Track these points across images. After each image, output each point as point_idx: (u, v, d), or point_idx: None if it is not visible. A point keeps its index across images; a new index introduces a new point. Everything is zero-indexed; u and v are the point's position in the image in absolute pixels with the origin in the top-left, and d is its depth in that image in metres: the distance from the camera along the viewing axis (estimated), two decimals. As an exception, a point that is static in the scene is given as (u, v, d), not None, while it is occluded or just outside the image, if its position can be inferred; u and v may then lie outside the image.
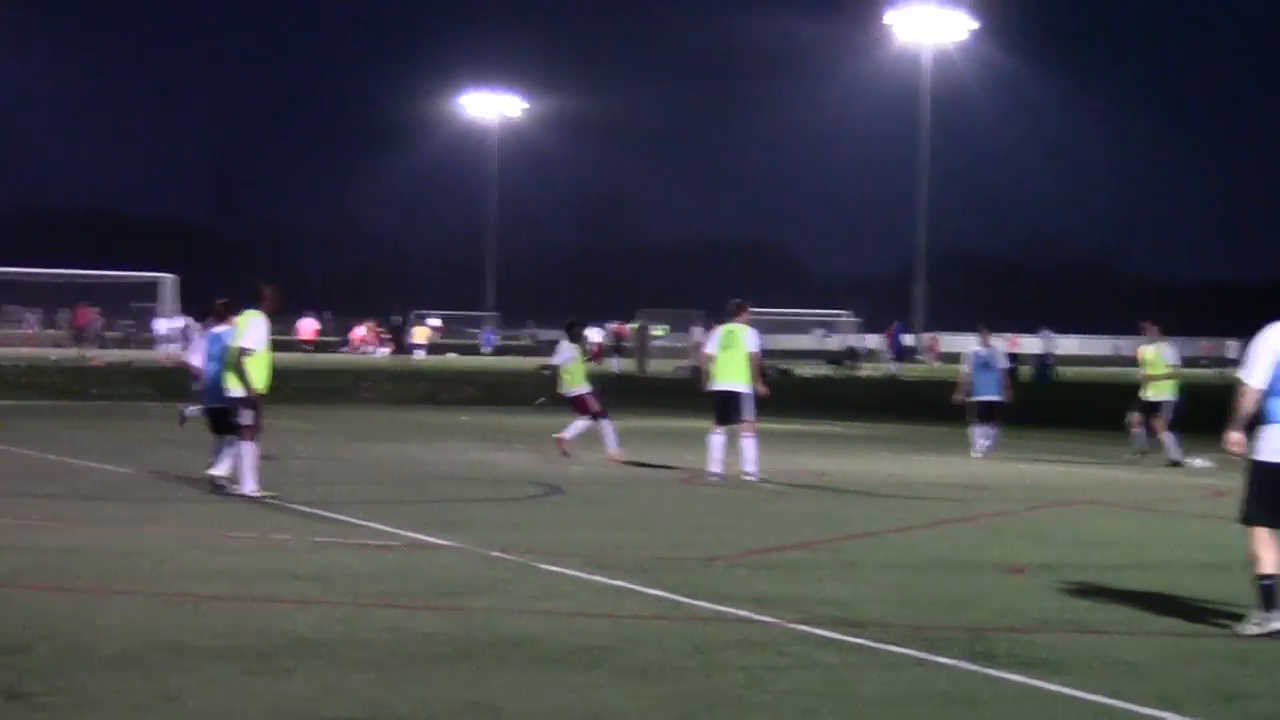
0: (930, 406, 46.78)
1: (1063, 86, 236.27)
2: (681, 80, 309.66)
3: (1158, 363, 31.99)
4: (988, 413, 32.77)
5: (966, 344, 36.12)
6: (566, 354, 30.32)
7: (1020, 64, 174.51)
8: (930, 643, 12.35)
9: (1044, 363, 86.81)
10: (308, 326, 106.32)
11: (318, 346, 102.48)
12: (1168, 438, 31.35)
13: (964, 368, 33.50)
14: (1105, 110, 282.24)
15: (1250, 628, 12.93)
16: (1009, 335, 77.02)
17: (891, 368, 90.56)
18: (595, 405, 29.66)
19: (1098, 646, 12.50)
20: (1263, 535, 13.03)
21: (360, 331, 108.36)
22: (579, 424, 29.61)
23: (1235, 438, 13.21)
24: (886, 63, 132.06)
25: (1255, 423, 13.14)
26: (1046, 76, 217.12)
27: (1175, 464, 30.78)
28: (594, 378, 31.69)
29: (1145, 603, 14.61)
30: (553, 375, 31.26)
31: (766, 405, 26.43)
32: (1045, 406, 48.76)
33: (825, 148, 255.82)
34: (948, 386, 37.04)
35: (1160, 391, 31.78)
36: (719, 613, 13.58)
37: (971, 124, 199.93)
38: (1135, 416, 32.05)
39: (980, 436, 32.67)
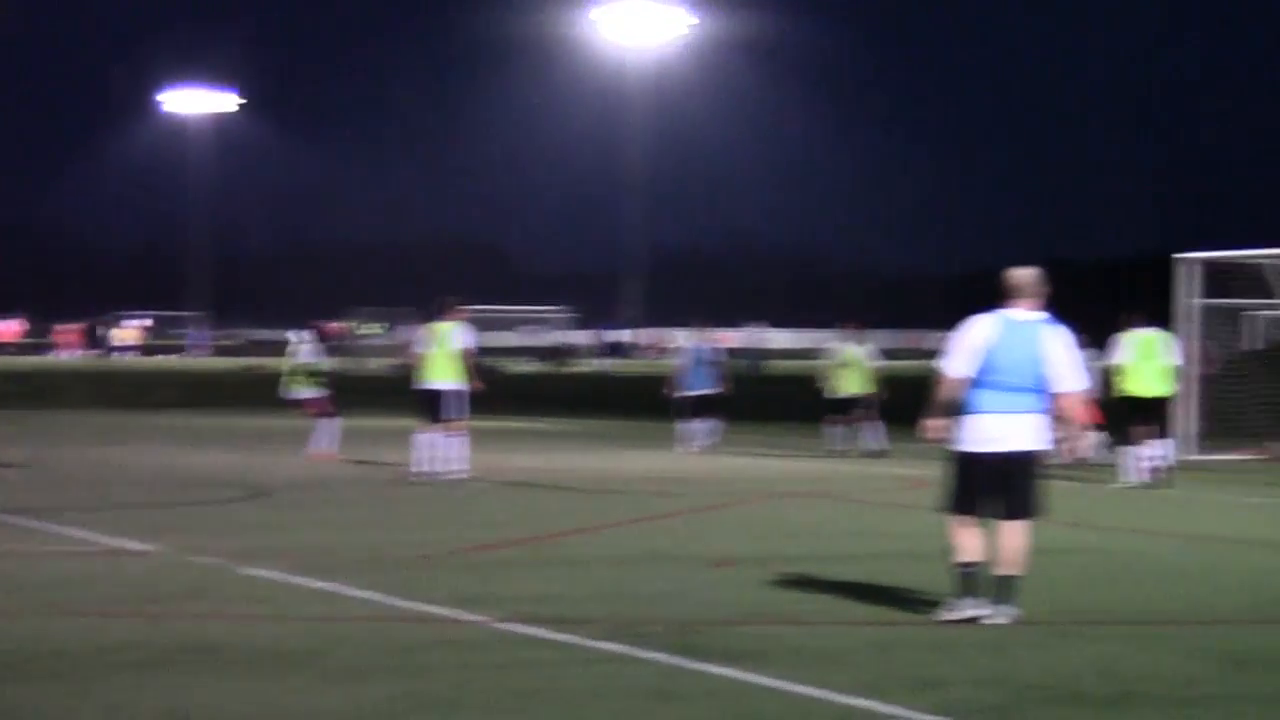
0: (642, 402, 47.06)
1: (773, 84, 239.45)
2: (398, 75, 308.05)
3: (857, 360, 32.68)
4: (702, 407, 33.11)
5: (682, 339, 36.69)
6: (310, 354, 30.20)
7: (734, 63, 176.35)
8: (637, 637, 12.37)
9: (754, 357, 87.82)
10: (8, 328, 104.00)
11: (20, 348, 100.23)
12: (868, 428, 32.13)
13: (677, 362, 33.82)
14: (812, 108, 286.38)
15: (948, 614, 13.20)
16: (720, 330, 77.68)
17: (605, 363, 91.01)
18: (329, 406, 29.59)
19: (802, 637, 12.65)
20: (964, 523, 13.35)
21: (64, 331, 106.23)
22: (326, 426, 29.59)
23: (933, 424, 13.51)
24: (597, 59, 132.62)
25: (957, 413, 13.41)
26: (759, 74, 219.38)
27: (878, 453, 31.48)
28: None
29: (849, 593, 14.81)
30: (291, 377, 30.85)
31: (477, 403, 26.36)
32: (755, 400, 49.30)
33: (538, 144, 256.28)
34: (660, 382, 37.26)
35: (857, 387, 32.51)
36: (428, 613, 13.48)
37: (683, 120, 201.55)
38: (841, 417, 32.70)
39: (694, 431, 33.00)
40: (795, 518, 21.35)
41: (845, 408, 32.65)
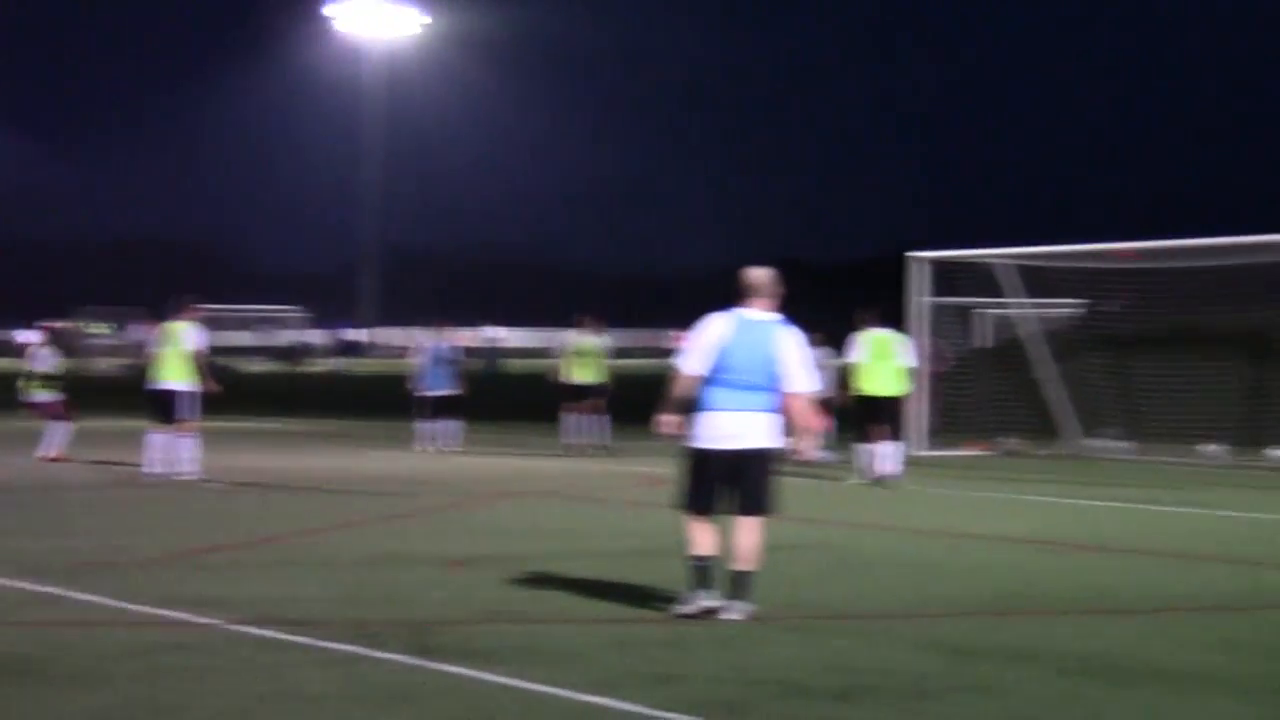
0: (379, 402, 46.82)
1: (509, 83, 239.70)
2: (120, 69, 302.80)
3: (592, 351, 32.90)
4: (442, 407, 33.08)
5: (421, 339, 36.71)
6: (46, 359, 29.77)
7: (466, 62, 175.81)
8: (372, 638, 12.31)
9: (490, 356, 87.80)
10: None
11: None
12: (598, 422, 32.43)
13: (417, 361, 33.75)
14: (548, 107, 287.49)
15: (682, 608, 13.37)
16: (458, 329, 77.61)
17: (339, 363, 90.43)
18: (62, 410, 29.18)
19: (537, 636, 12.67)
20: (699, 519, 13.58)
21: None
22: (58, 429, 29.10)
23: (666, 419, 13.73)
24: (331, 55, 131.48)
25: (691, 410, 13.57)
26: (492, 76, 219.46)
27: (602, 448, 31.87)
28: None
29: (584, 591, 14.89)
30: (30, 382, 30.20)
31: (211, 403, 26.07)
32: (492, 400, 49.32)
33: (269, 142, 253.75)
34: (397, 381, 37.14)
35: (591, 377, 32.75)
36: (157, 616, 13.30)
37: (417, 119, 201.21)
38: (571, 405, 32.85)
39: (434, 431, 32.96)
40: (532, 517, 21.39)
41: (579, 396, 32.88)
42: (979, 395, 36.42)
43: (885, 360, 26.30)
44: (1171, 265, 33.58)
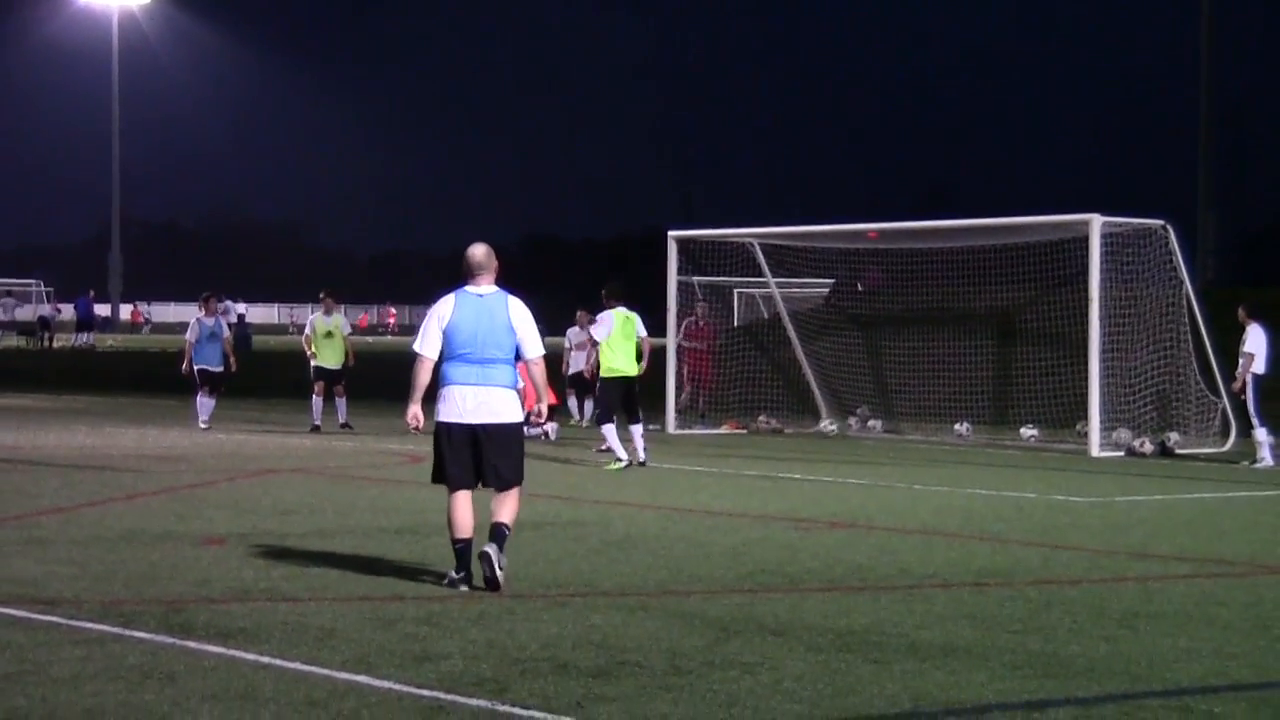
0: (128, 378, 46.14)
1: (254, 58, 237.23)
2: None
3: (338, 333, 32.72)
4: (212, 382, 32.73)
5: (175, 313, 36.34)
6: None
7: (212, 32, 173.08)
8: (125, 617, 12.20)
9: (244, 332, 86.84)
10: None
11: None
12: (340, 403, 32.34)
13: (189, 336, 33.30)
14: (294, 85, 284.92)
15: (448, 584, 13.72)
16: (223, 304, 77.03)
17: (86, 338, 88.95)
18: None
19: (296, 614, 12.59)
20: (458, 497, 13.86)
21: None
22: None
23: (413, 411, 14.16)
24: (74, 23, 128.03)
25: (436, 388, 13.91)
26: (238, 47, 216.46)
27: (345, 427, 31.79)
28: None
29: (344, 568, 14.83)
30: None
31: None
32: (245, 375, 48.78)
33: (14, 113, 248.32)
34: (149, 357, 36.67)
35: (333, 359, 32.59)
36: (-100, 596, 13.07)
37: (164, 91, 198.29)
38: (319, 385, 32.61)
39: (204, 406, 32.61)
40: (289, 494, 21.21)
41: (322, 376, 32.67)
42: (736, 375, 36.70)
43: (630, 340, 26.36)
44: (920, 246, 34.11)
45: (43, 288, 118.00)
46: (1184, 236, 32.65)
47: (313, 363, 33.01)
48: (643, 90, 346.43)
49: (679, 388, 35.32)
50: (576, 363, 34.40)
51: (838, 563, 15.93)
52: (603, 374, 26.58)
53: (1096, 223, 29.50)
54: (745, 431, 35.07)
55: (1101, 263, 29.41)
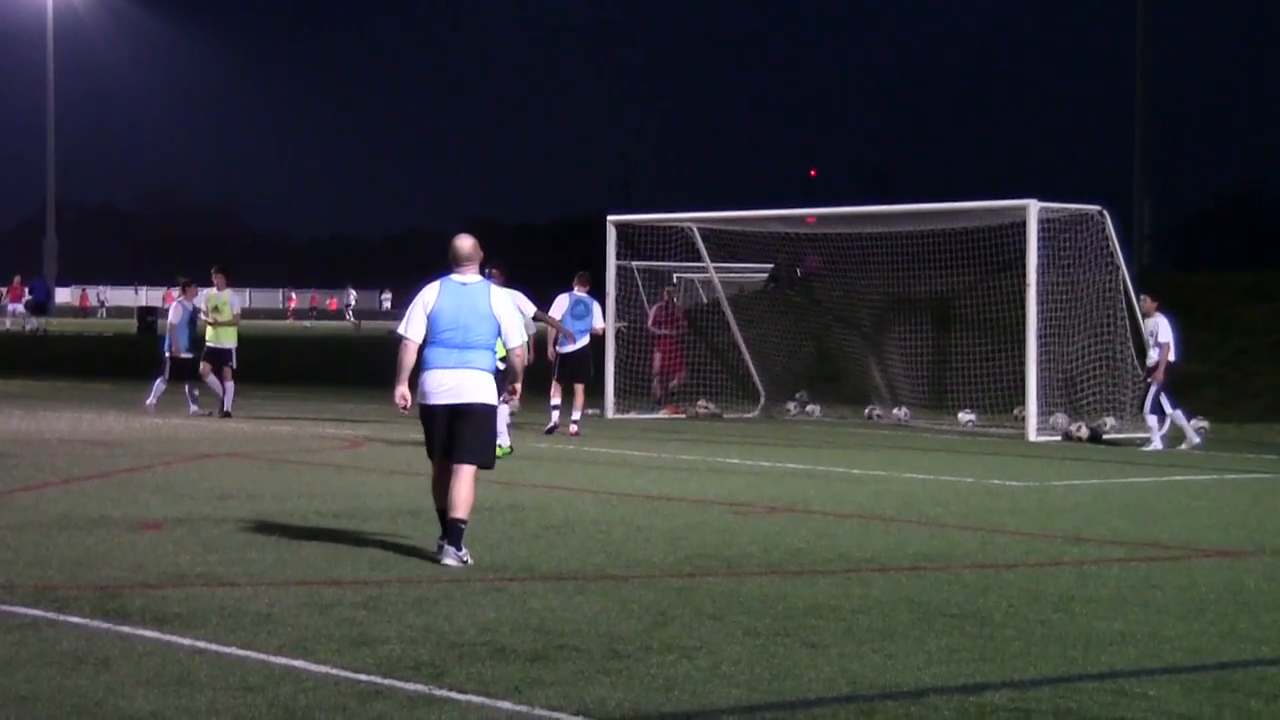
0: (65, 361, 45.80)
1: (191, 39, 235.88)
2: None
3: (225, 309, 32.48)
4: (190, 368, 32.56)
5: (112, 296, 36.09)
6: None
7: (148, 13, 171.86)
8: (59, 602, 12.09)
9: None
10: None
11: None
12: (229, 387, 32.04)
13: (172, 319, 33.11)
14: (231, 64, 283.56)
15: (445, 559, 14.25)
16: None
17: (34, 322, 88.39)
18: None
19: (232, 599, 12.50)
20: (438, 470, 14.71)
21: None
22: None
23: (401, 391, 14.73)
24: (8, 4, 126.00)
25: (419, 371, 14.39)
26: (175, 28, 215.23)
27: (228, 414, 31.77)
28: None
29: (281, 553, 14.76)
30: None
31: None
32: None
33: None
34: (102, 342, 36.43)
35: (225, 339, 32.33)
36: None
37: (99, 72, 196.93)
38: (205, 365, 32.37)
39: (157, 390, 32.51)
40: (225, 479, 21.07)
41: (217, 358, 32.49)
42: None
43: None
44: (860, 231, 34.04)
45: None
46: (1120, 222, 32.69)
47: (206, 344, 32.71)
48: (584, 72, 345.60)
49: (652, 375, 35.25)
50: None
51: (775, 547, 15.91)
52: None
53: (1034, 208, 29.49)
54: (684, 416, 35.04)
55: (1039, 248, 29.38)
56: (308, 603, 12.41)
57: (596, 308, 28.70)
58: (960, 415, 32.28)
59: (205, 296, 33.32)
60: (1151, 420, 27.80)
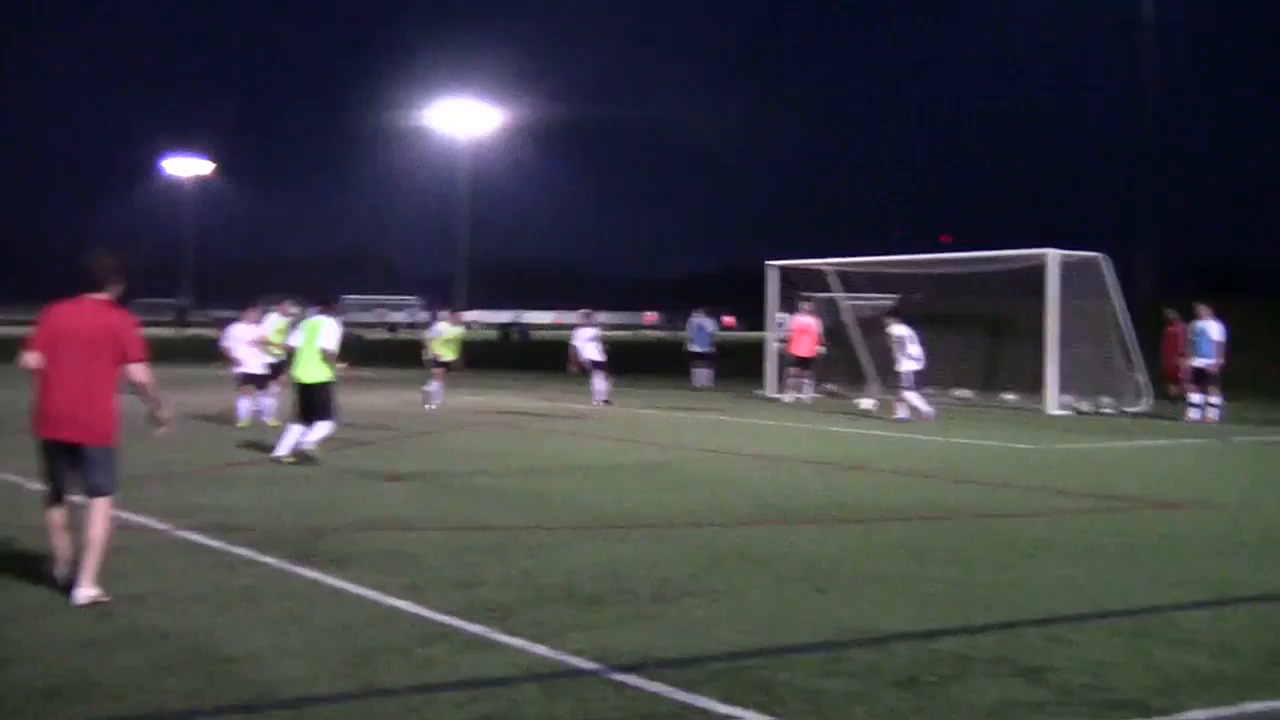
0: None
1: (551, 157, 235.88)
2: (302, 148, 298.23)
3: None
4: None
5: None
6: None
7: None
8: (267, 544, 10.24)
9: (521, 329, 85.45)
10: None
11: None
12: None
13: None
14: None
15: None
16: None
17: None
18: None
19: (400, 542, 10.50)
20: None
21: None
22: None
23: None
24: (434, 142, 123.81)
25: None
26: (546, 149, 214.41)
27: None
28: None
29: (464, 502, 12.81)
30: None
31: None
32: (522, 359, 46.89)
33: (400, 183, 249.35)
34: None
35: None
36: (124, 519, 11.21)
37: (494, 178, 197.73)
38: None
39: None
40: (473, 443, 19.23)
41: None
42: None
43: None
44: (933, 271, 31.50)
45: (413, 301, 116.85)
46: (1124, 263, 29.66)
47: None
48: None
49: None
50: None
51: (833, 500, 13.47)
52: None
53: (1052, 256, 26.97)
54: (820, 395, 32.50)
55: (1057, 283, 26.86)
56: (453, 546, 10.38)
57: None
58: (1005, 395, 29.48)
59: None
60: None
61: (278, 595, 8.51)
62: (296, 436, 15.82)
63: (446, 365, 26.00)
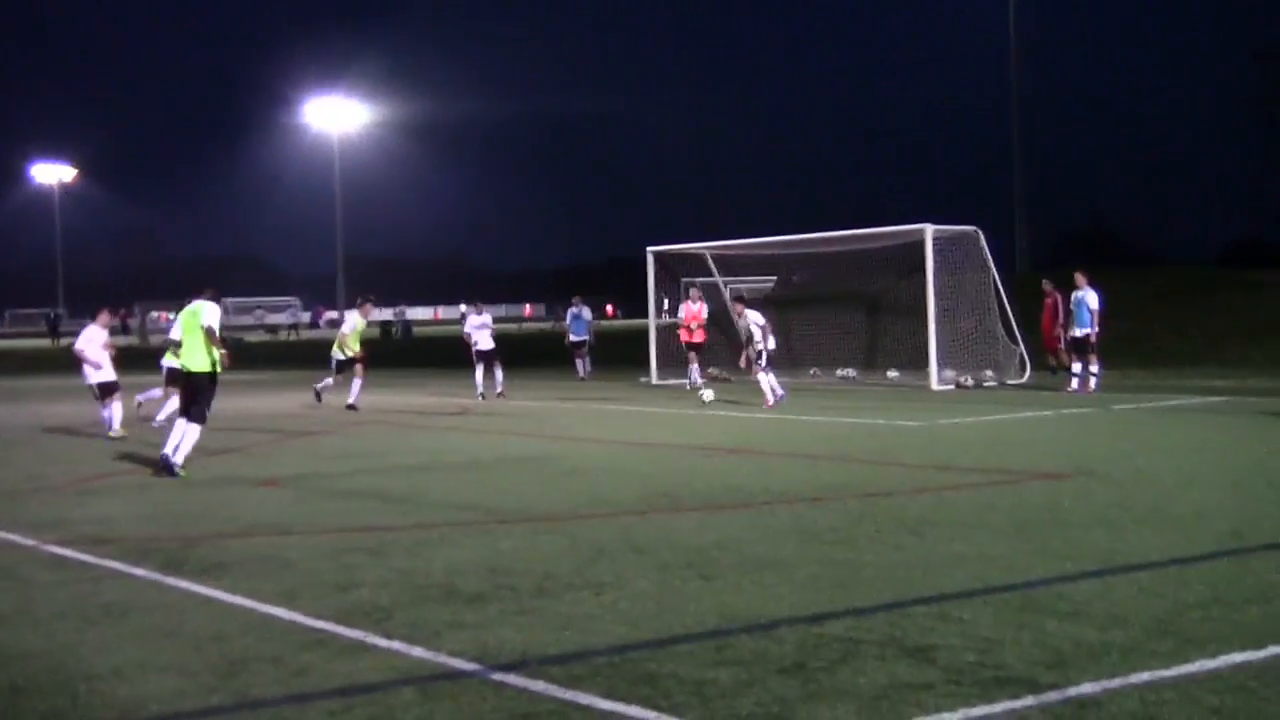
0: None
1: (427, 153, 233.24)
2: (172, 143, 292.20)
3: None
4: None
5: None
6: None
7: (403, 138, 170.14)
8: (140, 555, 9.92)
9: (403, 325, 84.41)
10: None
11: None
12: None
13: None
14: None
15: None
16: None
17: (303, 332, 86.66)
18: None
19: (275, 547, 10.23)
20: None
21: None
22: None
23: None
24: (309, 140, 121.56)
25: None
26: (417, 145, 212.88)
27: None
28: None
29: (349, 504, 12.51)
30: None
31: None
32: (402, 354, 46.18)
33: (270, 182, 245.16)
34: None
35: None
36: (-6, 540, 10.78)
37: (365, 184, 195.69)
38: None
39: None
40: (358, 443, 18.87)
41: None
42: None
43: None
44: (812, 251, 31.66)
45: (294, 302, 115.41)
46: (1000, 237, 30.06)
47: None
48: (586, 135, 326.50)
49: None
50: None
51: (720, 485, 13.33)
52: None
53: (929, 230, 27.18)
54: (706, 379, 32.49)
55: (935, 258, 27.08)
56: (330, 549, 10.12)
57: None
58: (889, 372, 29.72)
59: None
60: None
61: (147, 608, 8.20)
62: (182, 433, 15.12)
63: (361, 360, 24.80)
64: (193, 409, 15.13)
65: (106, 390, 20.11)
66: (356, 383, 24.54)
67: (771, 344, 23.71)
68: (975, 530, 10.39)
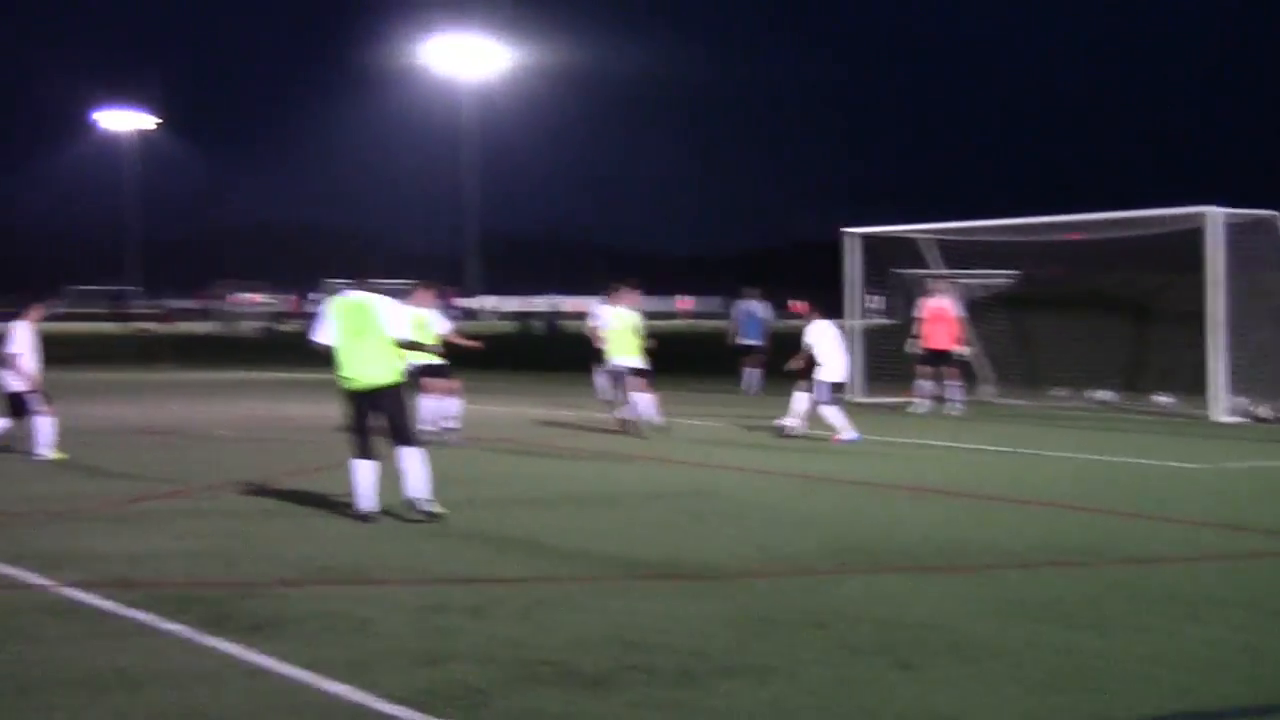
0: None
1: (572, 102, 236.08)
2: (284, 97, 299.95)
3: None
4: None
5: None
6: None
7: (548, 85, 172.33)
8: (177, 605, 9.67)
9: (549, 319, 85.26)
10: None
11: None
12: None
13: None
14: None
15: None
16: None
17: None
18: None
19: (345, 601, 9.95)
20: None
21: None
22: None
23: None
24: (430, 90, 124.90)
25: None
26: (565, 95, 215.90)
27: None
28: None
29: (448, 546, 12.20)
30: None
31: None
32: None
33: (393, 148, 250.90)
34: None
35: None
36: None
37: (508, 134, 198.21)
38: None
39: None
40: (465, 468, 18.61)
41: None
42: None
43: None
44: (1058, 239, 30.74)
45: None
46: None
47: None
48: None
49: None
50: None
51: (930, 538, 12.64)
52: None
53: (1214, 215, 26.37)
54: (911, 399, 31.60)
55: (1223, 250, 26.14)
56: (419, 606, 9.73)
57: None
58: (1157, 396, 28.75)
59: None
60: None
61: (171, 677, 7.90)
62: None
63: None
64: (401, 431, 13.98)
65: (26, 403, 18.93)
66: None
67: (838, 369, 22.16)
68: (1272, 619, 9.56)
